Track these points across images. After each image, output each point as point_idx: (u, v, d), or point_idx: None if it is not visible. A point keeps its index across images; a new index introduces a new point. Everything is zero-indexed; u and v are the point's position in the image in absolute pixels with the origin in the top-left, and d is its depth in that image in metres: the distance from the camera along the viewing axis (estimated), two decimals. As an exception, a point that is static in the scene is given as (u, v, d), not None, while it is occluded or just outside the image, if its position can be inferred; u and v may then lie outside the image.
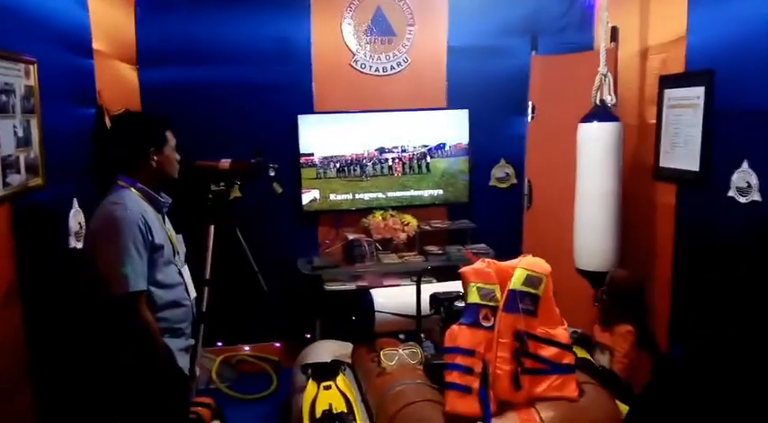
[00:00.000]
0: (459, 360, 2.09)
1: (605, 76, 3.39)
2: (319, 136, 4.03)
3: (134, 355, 1.89)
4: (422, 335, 2.74)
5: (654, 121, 3.53)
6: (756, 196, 2.85)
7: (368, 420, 2.40)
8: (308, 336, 4.10)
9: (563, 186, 3.84)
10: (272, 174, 3.44)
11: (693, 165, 3.26)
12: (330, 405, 2.43)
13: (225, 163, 3.48)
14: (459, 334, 2.13)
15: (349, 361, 2.99)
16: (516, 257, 2.28)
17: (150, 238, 2.00)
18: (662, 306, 3.46)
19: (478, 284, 2.19)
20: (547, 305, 2.22)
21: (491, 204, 4.31)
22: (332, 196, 4.09)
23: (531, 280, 2.21)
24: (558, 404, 2.10)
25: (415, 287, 3.15)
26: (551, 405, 2.09)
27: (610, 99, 3.40)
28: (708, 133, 3.16)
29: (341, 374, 2.73)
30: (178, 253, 2.17)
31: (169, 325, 2.00)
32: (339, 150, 4.08)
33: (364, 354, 2.84)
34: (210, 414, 3.06)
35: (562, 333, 2.21)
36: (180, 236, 2.25)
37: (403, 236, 3.98)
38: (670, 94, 3.42)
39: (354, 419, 2.34)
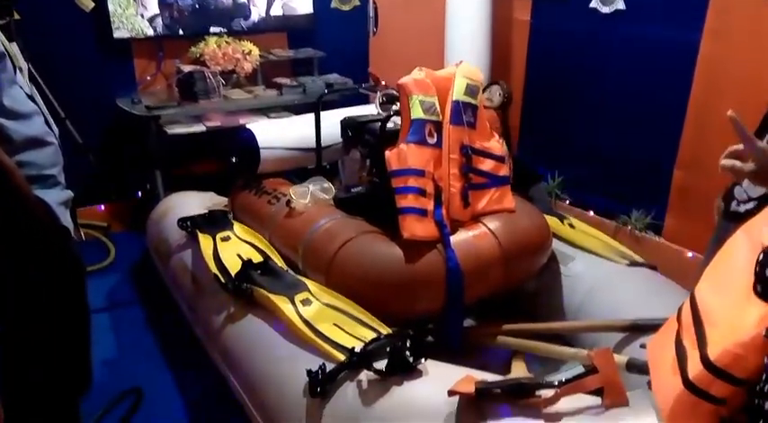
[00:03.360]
0: (412, 182, 1.86)
1: None
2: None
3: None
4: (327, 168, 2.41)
5: None
6: (620, 5, 2.95)
7: (286, 266, 2.08)
8: (140, 194, 3.44)
9: (417, 8, 3.58)
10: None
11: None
12: (240, 256, 2.03)
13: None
14: (408, 154, 1.86)
15: (228, 210, 2.55)
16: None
17: None
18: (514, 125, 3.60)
19: (420, 97, 1.91)
20: (481, 116, 2.06)
21: (335, 30, 3.86)
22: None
23: (471, 89, 2.01)
24: (501, 216, 2.03)
25: (296, 119, 2.77)
26: (495, 217, 2.02)
27: None
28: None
29: (236, 223, 2.30)
30: (20, 69, 1.43)
31: (37, 171, 1.35)
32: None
33: (253, 198, 2.43)
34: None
35: (496, 145, 2.09)
36: (15, 44, 1.48)
37: (248, 67, 3.38)
38: None
39: (279, 265, 2.00)
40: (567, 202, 3.32)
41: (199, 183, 2.99)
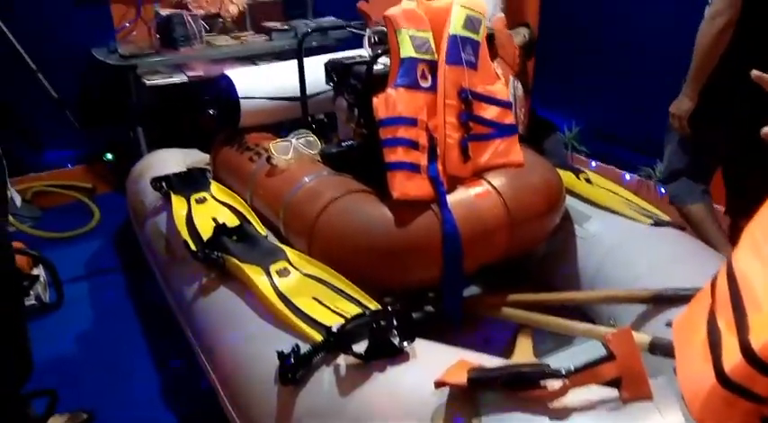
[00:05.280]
0: (403, 132, 1.60)
1: None
2: None
3: None
4: (313, 120, 2.16)
5: None
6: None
7: (267, 230, 1.87)
8: (110, 156, 3.21)
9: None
10: None
11: None
12: (215, 220, 1.82)
13: None
14: (397, 100, 1.60)
15: (208, 168, 2.33)
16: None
17: None
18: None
19: (411, 32, 1.64)
20: (484, 55, 1.78)
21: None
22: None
23: (471, 22, 1.72)
24: (507, 172, 1.78)
25: (281, 65, 2.49)
26: (500, 173, 1.76)
27: None
28: None
29: (213, 183, 2.08)
30: None
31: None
32: None
33: (234, 154, 2.20)
34: (29, 262, 2.25)
35: (501, 89, 1.82)
36: None
37: (233, 9, 3.10)
38: None
39: (257, 230, 1.79)
40: (585, 154, 3.04)
41: (184, 138, 2.77)
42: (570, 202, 1.94)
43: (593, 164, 3.01)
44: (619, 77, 2.83)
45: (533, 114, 3.07)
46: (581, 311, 1.75)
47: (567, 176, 2.01)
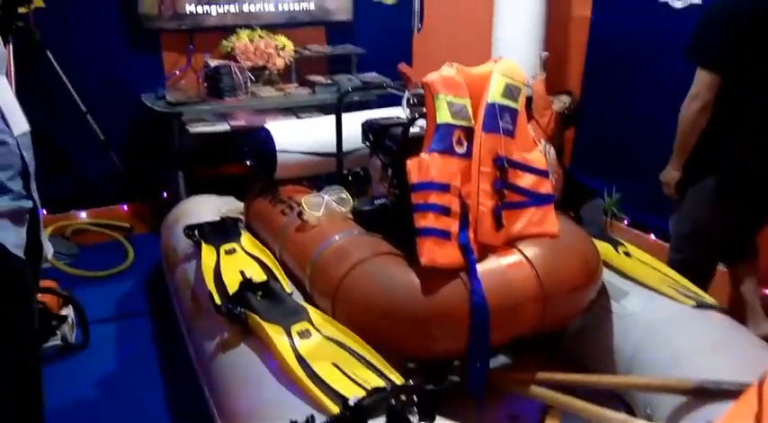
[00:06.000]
0: (435, 198, 1.58)
1: None
2: None
3: None
4: (349, 176, 2.17)
5: None
6: (697, -1, 2.57)
7: (293, 286, 1.85)
8: (165, 195, 3.29)
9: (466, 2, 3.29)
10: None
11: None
12: (242, 273, 1.81)
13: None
14: (431, 164, 1.59)
15: (241, 218, 2.35)
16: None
17: None
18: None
19: (448, 98, 1.63)
20: (522, 123, 1.76)
21: (377, 25, 3.62)
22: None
23: (510, 90, 1.71)
24: (541, 242, 1.72)
25: (320, 120, 2.53)
26: (534, 243, 1.71)
27: None
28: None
29: (244, 234, 2.09)
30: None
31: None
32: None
33: (267, 206, 2.21)
34: (59, 301, 2.27)
35: (538, 157, 1.78)
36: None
37: (280, 62, 3.19)
38: None
39: (282, 288, 1.77)
40: (625, 222, 2.95)
41: (223, 185, 2.81)
42: (607, 275, 1.86)
43: (633, 231, 2.91)
44: (661, 145, 2.76)
45: (571, 179, 3.02)
46: (615, 394, 1.65)
47: (604, 249, 1.94)
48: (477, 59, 2.94)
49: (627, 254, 2.01)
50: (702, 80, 1.92)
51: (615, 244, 2.04)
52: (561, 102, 2.78)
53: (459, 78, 1.67)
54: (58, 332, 2.22)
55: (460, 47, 3.28)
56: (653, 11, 2.72)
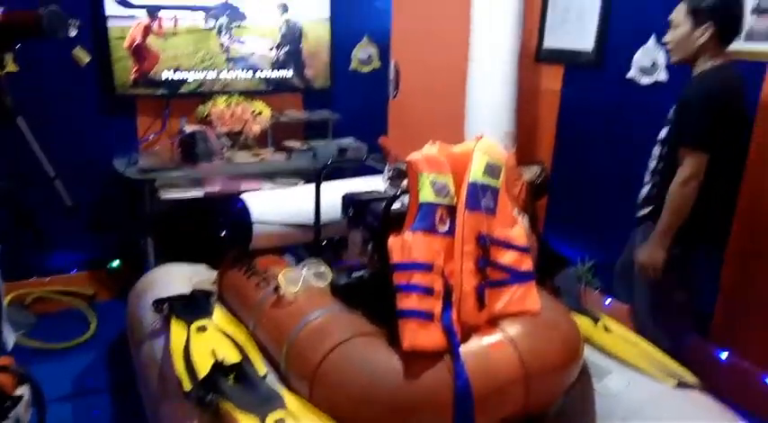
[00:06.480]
0: (418, 278, 1.55)
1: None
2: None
3: None
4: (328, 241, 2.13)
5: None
6: (662, 76, 2.69)
7: (268, 366, 1.77)
8: (116, 264, 3.17)
9: (439, 70, 3.38)
10: (74, 33, 2.34)
11: (586, 43, 3.01)
12: (214, 353, 1.73)
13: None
14: (414, 244, 1.57)
15: (214, 289, 2.27)
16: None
17: None
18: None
19: (431, 177, 1.64)
20: (504, 201, 1.77)
21: (353, 92, 3.68)
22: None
23: (491, 169, 1.72)
24: (522, 320, 1.70)
25: (298, 190, 2.51)
26: (515, 321, 1.68)
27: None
28: (607, 4, 2.89)
29: (217, 309, 2.02)
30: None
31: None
32: None
33: (241, 278, 2.15)
34: (13, 380, 2.12)
35: (520, 233, 1.79)
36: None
37: (256, 128, 3.19)
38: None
39: (256, 371, 1.69)
40: (598, 289, 2.97)
41: (195, 252, 2.73)
42: (588, 353, 1.84)
43: (607, 301, 2.92)
44: (631, 212, 2.83)
45: (546, 247, 3.04)
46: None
47: (584, 324, 1.93)
48: (450, 125, 3.01)
49: (606, 328, 2.00)
50: (696, 161, 2.01)
51: (594, 318, 2.04)
52: (532, 172, 2.84)
53: (441, 157, 1.68)
54: (10, 415, 2.07)
55: (435, 113, 3.35)
56: (621, 85, 2.83)
